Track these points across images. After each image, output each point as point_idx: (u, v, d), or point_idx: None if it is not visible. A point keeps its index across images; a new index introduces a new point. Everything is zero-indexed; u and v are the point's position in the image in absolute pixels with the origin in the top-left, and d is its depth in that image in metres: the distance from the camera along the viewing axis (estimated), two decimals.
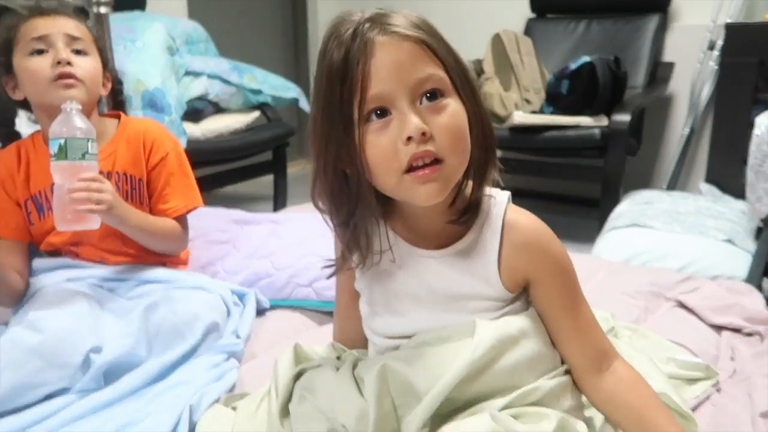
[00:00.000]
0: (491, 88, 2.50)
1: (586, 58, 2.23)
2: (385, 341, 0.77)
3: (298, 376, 0.81)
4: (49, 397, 0.90)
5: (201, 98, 2.29)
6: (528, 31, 2.95)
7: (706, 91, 2.58)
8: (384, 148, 0.63)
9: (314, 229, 1.30)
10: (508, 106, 2.44)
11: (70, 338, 0.93)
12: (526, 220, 0.73)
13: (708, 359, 1.04)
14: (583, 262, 1.62)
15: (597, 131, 2.20)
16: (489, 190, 0.73)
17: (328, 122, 0.65)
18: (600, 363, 0.72)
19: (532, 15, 3.00)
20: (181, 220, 1.19)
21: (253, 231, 1.39)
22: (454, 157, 0.65)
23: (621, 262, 1.65)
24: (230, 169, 2.45)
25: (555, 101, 2.34)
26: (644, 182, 2.84)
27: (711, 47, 2.56)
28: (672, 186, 2.65)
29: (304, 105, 2.66)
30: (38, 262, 1.14)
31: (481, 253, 0.72)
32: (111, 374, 0.94)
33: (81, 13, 1.21)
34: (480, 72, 2.60)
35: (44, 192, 1.13)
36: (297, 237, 1.30)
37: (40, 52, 1.07)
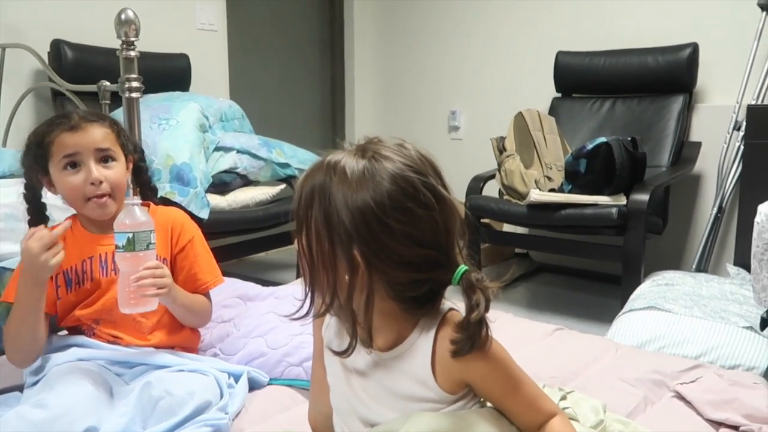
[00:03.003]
0: (512, 165, 2.54)
1: (602, 139, 2.26)
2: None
3: None
4: None
5: (230, 171, 2.42)
6: (553, 109, 3.01)
7: (733, 172, 2.55)
8: None
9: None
10: (529, 183, 2.46)
11: (68, 416, 0.99)
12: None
13: None
14: (592, 344, 1.58)
15: (614, 210, 2.19)
16: (444, 302, 0.76)
17: None
18: (543, 424, 0.78)
19: (558, 94, 3.06)
20: (208, 295, 1.30)
21: (255, 308, 1.44)
22: None
23: (632, 346, 1.61)
24: (257, 238, 2.54)
25: (573, 179, 2.35)
26: (674, 262, 2.78)
27: (737, 128, 2.54)
28: (701, 267, 2.58)
29: None
30: (55, 340, 1.21)
31: (417, 357, 0.75)
32: None
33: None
34: (502, 149, 2.65)
35: (75, 267, 1.21)
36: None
37: (73, 165, 1.15)
